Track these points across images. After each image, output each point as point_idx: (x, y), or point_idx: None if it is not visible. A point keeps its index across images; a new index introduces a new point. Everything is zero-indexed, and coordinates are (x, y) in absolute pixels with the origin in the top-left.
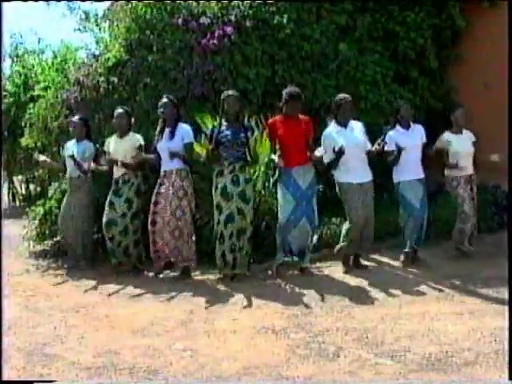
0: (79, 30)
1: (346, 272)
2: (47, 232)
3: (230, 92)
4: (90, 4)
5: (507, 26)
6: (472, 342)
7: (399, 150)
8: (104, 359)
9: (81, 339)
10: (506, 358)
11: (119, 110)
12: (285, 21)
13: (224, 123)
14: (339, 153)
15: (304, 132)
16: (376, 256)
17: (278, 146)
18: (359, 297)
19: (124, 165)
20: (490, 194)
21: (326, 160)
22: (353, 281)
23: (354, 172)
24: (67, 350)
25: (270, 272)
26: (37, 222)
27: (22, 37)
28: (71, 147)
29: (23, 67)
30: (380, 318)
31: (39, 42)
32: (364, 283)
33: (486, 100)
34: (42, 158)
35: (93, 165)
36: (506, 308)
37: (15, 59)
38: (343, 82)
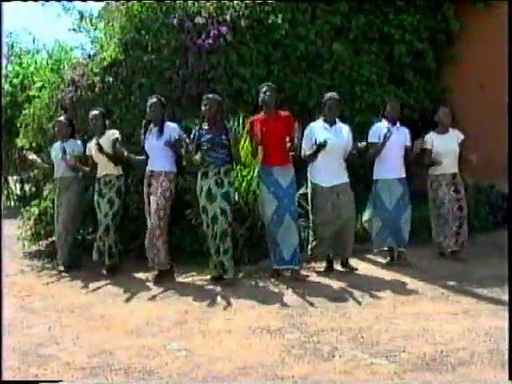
0: (74, 30)
1: (326, 271)
2: (42, 232)
3: (209, 95)
4: (84, 4)
5: (507, 26)
6: (467, 341)
7: (384, 140)
8: (99, 359)
9: (75, 339)
10: (501, 358)
11: (94, 112)
12: (279, 21)
13: (204, 126)
14: (320, 146)
15: (285, 129)
16: (371, 256)
17: (259, 146)
18: (354, 297)
19: (107, 156)
20: (484, 194)
21: (304, 152)
22: (347, 281)
23: (326, 174)
24: (62, 351)
25: (271, 277)
26: (31, 222)
27: (18, 36)
28: (57, 147)
29: (20, 66)
30: (375, 318)
31: (34, 41)
32: (359, 283)
33: (481, 99)
34: (33, 156)
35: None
36: (501, 308)
37: (12, 58)
38: (338, 81)
